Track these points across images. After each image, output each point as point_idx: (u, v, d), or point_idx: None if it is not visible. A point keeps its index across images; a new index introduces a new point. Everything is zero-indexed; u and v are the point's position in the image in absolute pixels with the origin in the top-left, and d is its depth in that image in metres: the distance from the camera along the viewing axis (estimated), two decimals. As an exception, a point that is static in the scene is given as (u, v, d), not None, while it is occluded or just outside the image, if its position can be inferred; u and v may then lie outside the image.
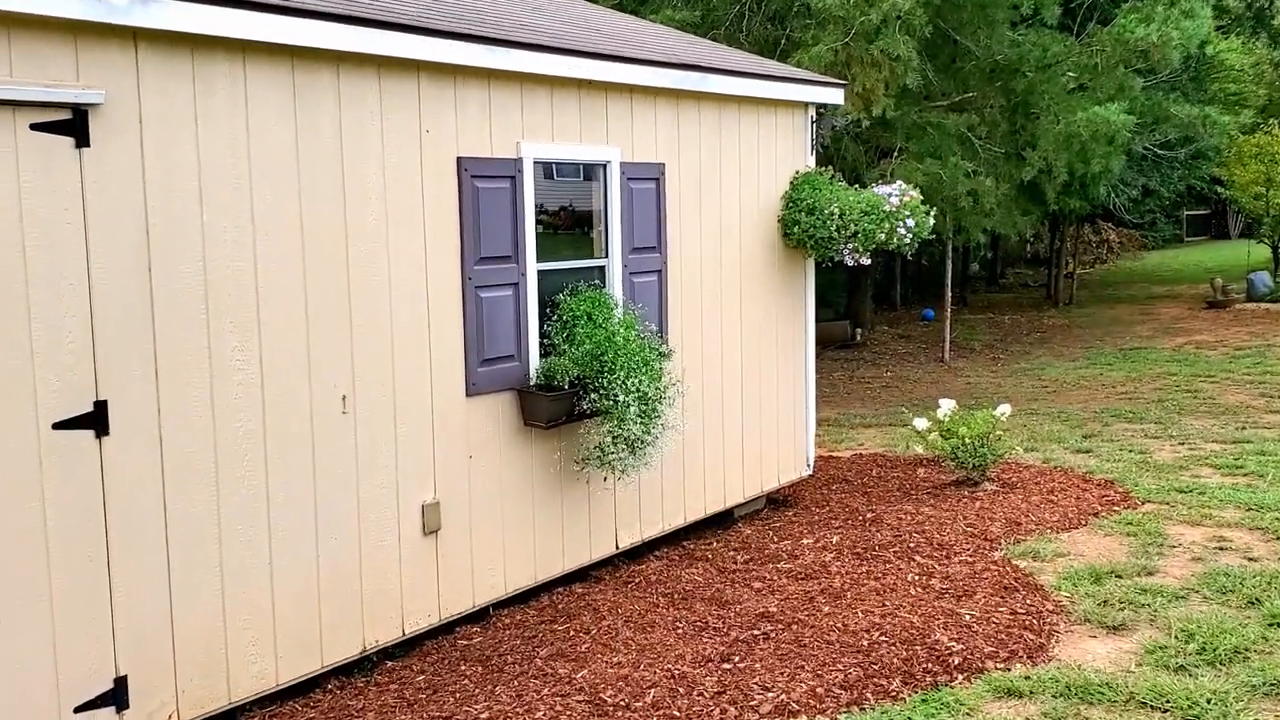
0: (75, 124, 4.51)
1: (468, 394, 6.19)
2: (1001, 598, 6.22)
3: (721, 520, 8.35)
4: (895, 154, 15.45)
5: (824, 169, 8.87)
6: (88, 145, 4.54)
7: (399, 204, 5.78)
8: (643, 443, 6.54)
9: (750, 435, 8.41)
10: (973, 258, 30.56)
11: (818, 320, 21.88)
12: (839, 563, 6.99)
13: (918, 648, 5.50)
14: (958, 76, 15.88)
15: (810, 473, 9.22)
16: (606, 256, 7.04)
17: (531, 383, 6.44)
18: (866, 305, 23.04)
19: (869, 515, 8.16)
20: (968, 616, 5.92)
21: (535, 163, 6.46)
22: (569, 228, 6.88)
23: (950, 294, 19.93)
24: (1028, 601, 6.16)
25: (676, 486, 7.71)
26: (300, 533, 5.40)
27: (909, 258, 11.67)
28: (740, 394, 8.27)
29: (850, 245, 8.36)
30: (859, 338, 21.74)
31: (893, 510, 8.24)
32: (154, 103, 4.75)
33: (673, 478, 7.67)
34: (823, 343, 21.47)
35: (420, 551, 6.00)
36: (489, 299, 6.26)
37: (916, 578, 6.62)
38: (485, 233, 6.21)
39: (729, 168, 8.03)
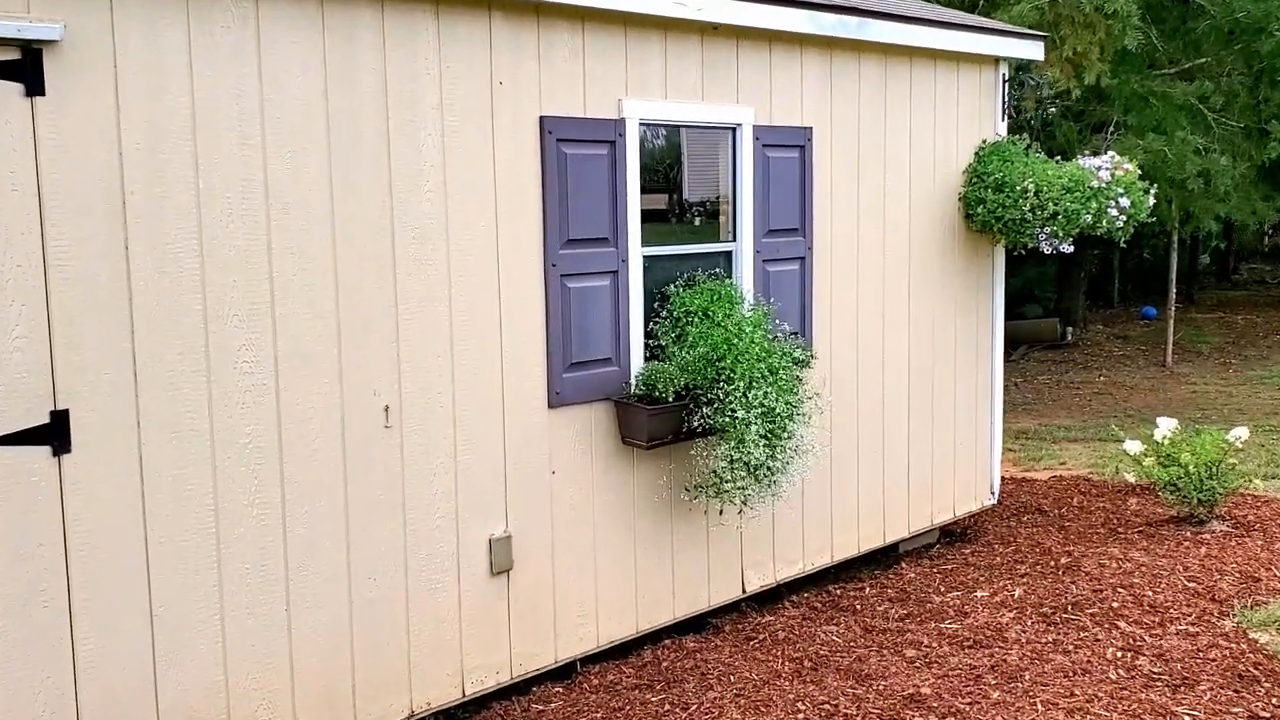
0: (24, 66, 3.61)
1: (550, 405, 5.08)
2: (1235, 690, 4.71)
3: (882, 557, 7.01)
4: (1110, 128, 13.53)
5: (1017, 137, 7.39)
6: (41, 93, 3.65)
7: (461, 172, 4.71)
8: (769, 469, 5.30)
9: (918, 457, 7.03)
10: (1202, 249, 27.62)
11: (1024, 318, 19.60)
12: (1019, 626, 5.57)
13: (1115, 766, 4.09)
14: (1188, 39, 13.78)
15: (995, 501, 7.76)
16: (734, 240, 5.81)
17: (631, 392, 5.29)
18: (1080, 301, 20.85)
19: (1063, 560, 6.66)
20: (1187, 718, 4.45)
21: (641, 124, 5.30)
22: (686, 205, 5.69)
23: (1175, 290, 17.67)
24: (1274, 699, 4.62)
25: (821, 518, 6.42)
26: (327, 572, 4.42)
27: (1123, 245, 9.93)
28: (906, 408, 6.90)
29: (1048, 229, 6.88)
30: (1070, 337, 19.69)
31: (1093, 554, 6.71)
32: (132, 42, 3.81)
33: (817, 507, 6.38)
34: (1029, 342, 19.61)
35: (486, 595, 4.94)
36: (579, 290, 5.13)
37: (1119, 654, 5.14)
38: (575, 210, 5.08)
39: (896, 134, 6.66)
